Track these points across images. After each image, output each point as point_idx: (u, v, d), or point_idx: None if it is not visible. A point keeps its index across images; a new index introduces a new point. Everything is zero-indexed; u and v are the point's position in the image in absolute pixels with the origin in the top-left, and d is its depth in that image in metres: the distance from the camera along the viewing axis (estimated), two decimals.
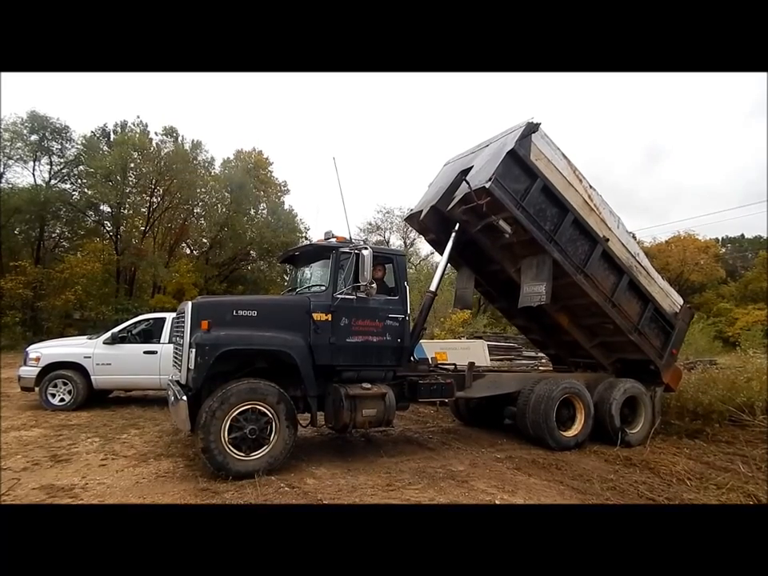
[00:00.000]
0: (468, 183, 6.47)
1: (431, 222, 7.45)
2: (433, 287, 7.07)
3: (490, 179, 6.10)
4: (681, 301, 7.86)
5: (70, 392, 8.68)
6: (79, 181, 25.66)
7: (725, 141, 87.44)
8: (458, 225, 7.02)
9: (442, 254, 7.40)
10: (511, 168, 6.33)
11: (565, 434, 6.88)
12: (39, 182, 24.79)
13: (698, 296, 42.16)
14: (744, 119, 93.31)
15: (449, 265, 7.73)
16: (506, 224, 6.49)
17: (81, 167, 25.25)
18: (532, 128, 6.49)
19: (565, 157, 6.81)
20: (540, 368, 11.29)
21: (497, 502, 4.66)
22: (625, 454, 6.53)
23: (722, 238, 50.32)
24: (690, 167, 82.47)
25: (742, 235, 51.83)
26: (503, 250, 7.25)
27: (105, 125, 27.49)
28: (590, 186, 6.99)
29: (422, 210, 7.56)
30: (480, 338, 16.76)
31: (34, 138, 23.97)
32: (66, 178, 25.72)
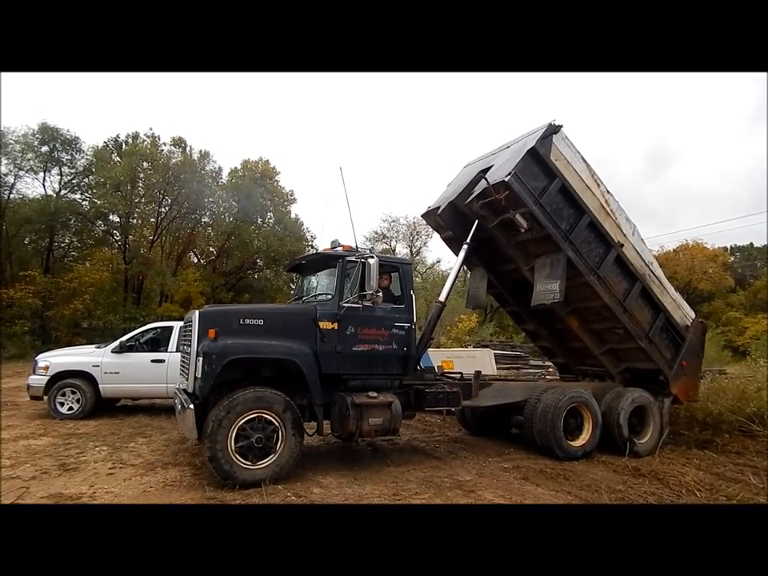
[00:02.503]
0: (487, 180, 6.60)
1: (448, 218, 7.59)
2: (442, 297, 7.08)
3: (509, 174, 6.25)
4: (693, 314, 7.86)
5: (78, 401, 8.72)
6: (89, 191, 25.99)
7: (730, 146, 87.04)
8: (473, 230, 7.09)
9: (456, 252, 7.47)
10: (531, 166, 6.48)
11: (572, 443, 6.82)
12: (49, 192, 25.20)
13: (706, 305, 41.81)
14: (750, 124, 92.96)
15: (460, 271, 7.75)
16: (523, 219, 6.58)
17: (90, 177, 25.59)
18: (553, 129, 6.65)
19: (584, 160, 6.94)
20: (547, 377, 11.23)
21: None
22: (633, 465, 6.46)
23: (731, 247, 49.93)
24: (695, 173, 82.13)
25: (751, 244, 51.33)
26: (518, 247, 7.31)
27: (117, 135, 27.92)
28: (607, 191, 7.08)
29: (439, 206, 7.69)
30: (486, 346, 16.78)
31: (44, 149, 24.36)
32: (75, 188, 26.08)
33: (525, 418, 7.01)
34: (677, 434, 7.82)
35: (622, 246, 7.05)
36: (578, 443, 6.87)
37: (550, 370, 13.12)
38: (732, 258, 48.93)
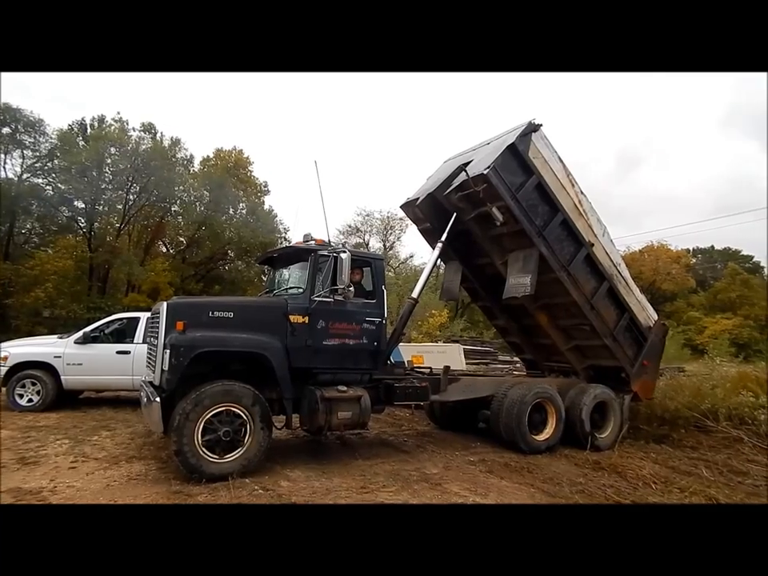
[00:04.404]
0: (466, 172, 6.74)
1: (426, 209, 7.73)
2: (415, 294, 7.15)
3: (488, 167, 6.42)
4: (655, 316, 8.19)
5: (38, 392, 8.48)
6: (53, 175, 25.02)
7: (698, 150, 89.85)
8: (449, 226, 7.19)
9: (432, 244, 7.61)
10: (510, 161, 6.66)
11: (536, 437, 7.01)
12: (10, 175, 24.13)
13: (669, 305, 43.19)
14: (719, 128, 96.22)
15: (434, 267, 7.84)
16: (499, 212, 6.74)
17: (55, 162, 24.65)
18: (533, 127, 6.86)
19: (561, 160, 7.15)
20: (514, 373, 11.45)
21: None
22: (594, 458, 6.68)
23: (693, 249, 51.67)
24: (662, 175, 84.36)
25: (712, 246, 53.24)
26: (493, 241, 7.49)
27: (83, 119, 26.94)
28: (581, 192, 7.31)
29: (418, 198, 7.81)
30: (456, 341, 16.95)
31: (5, 130, 23.28)
32: (38, 172, 25.04)
33: (492, 412, 7.16)
34: (636, 429, 8.10)
35: (593, 245, 7.30)
36: (542, 437, 7.06)
37: (518, 365, 13.37)
38: (694, 260, 50.66)
